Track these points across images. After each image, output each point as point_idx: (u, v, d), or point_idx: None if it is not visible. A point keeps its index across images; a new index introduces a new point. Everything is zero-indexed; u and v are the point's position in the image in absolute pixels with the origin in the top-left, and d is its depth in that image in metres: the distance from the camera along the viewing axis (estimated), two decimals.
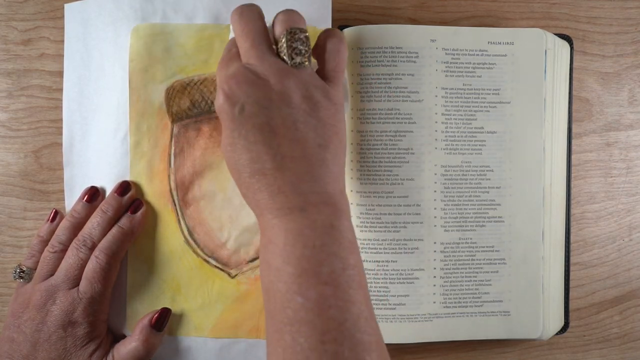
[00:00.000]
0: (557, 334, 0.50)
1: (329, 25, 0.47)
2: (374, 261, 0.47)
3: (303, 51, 0.38)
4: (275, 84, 0.36)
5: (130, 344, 0.44)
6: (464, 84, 0.48)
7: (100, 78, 0.47)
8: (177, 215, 0.47)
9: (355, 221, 0.47)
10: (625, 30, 0.53)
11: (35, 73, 0.49)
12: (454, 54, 0.48)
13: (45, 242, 0.46)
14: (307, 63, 0.38)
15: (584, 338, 0.53)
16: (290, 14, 0.39)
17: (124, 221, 0.45)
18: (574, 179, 0.52)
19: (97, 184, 0.47)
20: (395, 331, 0.47)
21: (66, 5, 0.48)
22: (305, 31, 0.38)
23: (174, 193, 0.47)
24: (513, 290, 0.48)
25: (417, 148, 0.47)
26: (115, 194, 0.45)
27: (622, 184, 0.53)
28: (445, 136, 0.48)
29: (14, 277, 0.45)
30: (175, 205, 0.47)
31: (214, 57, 0.47)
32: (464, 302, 0.48)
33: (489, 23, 0.52)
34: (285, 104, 0.36)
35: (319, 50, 0.40)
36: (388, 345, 0.50)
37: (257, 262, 0.47)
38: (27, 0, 0.49)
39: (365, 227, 0.47)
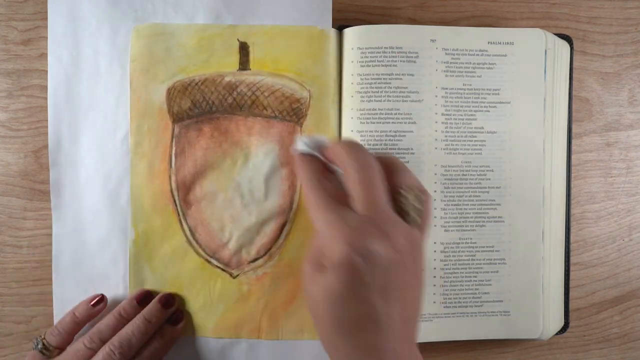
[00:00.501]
0: (557, 334, 0.51)
1: (330, 25, 0.47)
2: None
3: (420, 212, 0.37)
4: (394, 243, 0.34)
5: None
6: (464, 84, 0.48)
7: (94, 77, 0.47)
8: (179, 215, 0.47)
9: None
10: (625, 30, 0.53)
11: (35, 73, 0.49)
12: (454, 54, 0.48)
13: (78, 324, 0.45)
14: (419, 223, 0.37)
15: (584, 338, 0.53)
16: (410, 171, 0.38)
17: (167, 332, 0.45)
18: (574, 179, 0.52)
19: (90, 185, 0.47)
20: None
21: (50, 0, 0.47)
22: (422, 191, 0.38)
23: (175, 193, 0.47)
24: (513, 290, 0.49)
25: (417, 148, 0.47)
26: (160, 305, 0.45)
27: (622, 184, 0.53)
28: (445, 136, 0.48)
29: (34, 347, 0.44)
30: (176, 205, 0.47)
31: (214, 57, 0.47)
32: (464, 302, 0.48)
33: (489, 23, 0.52)
34: (401, 266, 0.35)
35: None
36: None
37: (258, 263, 0.47)
38: (27, 0, 0.49)
39: None
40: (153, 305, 0.45)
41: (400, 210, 0.36)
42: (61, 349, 0.45)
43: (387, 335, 0.34)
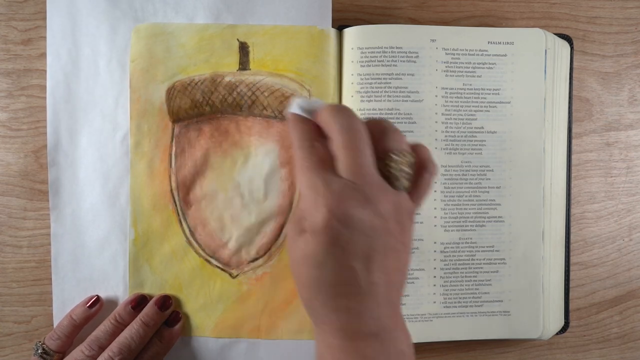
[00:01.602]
0: (557, 334, 0.51)
1: (329, 25, 0.47)
2: None
3: (410, 177, 0.35)
4: (377, 208, 0.33)
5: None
6: (464, 84, 0.48)
7: (94, 76, 0.47)
8: (179, 215, 0.47)
9: None
10: (625, 30, 0.53)
11: (35, 73, 0.49)
12: (454, 54, 0.48)
13: (77, 327, 0.45)
14: (409, 189, 0.36)
15: (584, 338, 0.53)
16: (401, 135, 0.36)
17: (165, 334, 0.45)
18: (574, 179, 0.52)
19: (89, 185, 0.47)
20: None
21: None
22: (414, 156, 0.36)
23: (175, 193, 0.47)
24: (513, 290, 0.48)
25: None
26: (156, 307, 0.45)
27: (622, 184, 0.53)
28: (445, 136, 0.48)
29: (34, 352, 0.44)
30: (176, 205, 0.47)
31: (214, 57, 0.47)
32: (464, 302, 0.48)
33: (489, 23, 0.52)
34: (385, 232, 0.33)
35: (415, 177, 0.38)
36: None
37: (258, 262, 0.47)
38: (27, 0, 0.49)
39: None
40: (150, 308, 0.45)
41: (390, 175, 0.35)
42: (61, 353, 0.45)
43: (367, 301, 0.33)
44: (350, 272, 0.33)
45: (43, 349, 0.44)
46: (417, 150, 0.37)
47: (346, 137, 0.34)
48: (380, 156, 0.35)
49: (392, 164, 0.35)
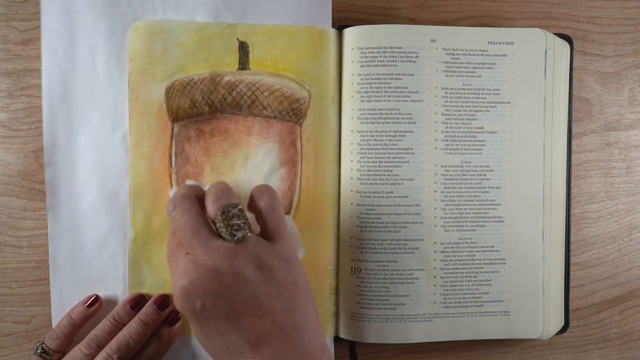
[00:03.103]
0: (557, 334, 0.50)
1: (329, 25, 0.47)
2: (374, 261, 0.47)
3: (241, 225, 0.37)
4: (227, 269, 0.35)
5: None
6: (464, 84, 0.48)
7: (91, 75, 0.47)
8: None
9: (355, 221, 0.47)
10: (625, 30, 0.53)
11: (35, 73, 0.49)
12: (454, 54, 0.48)
13: (76, 327, 0.45)
14: (249, 234, 0.37)
15: (584, 338, 0.53)
16: (218, 192, 0.38)
17: (164, 334, 0.45)
18: (574, 179, 0.52)
19: (87, 185, 0.47)
20: (395, 331, 0.47)
21: None
22: (237, 204, 0.37)
23: None
24: (513, 290, 0.48)
25: (417, 148, 0.47)
26: (155, 306, 0.45)
27: (622, 184, 0.53)
28: (445, 136, 0.48)
29: (34, 352, 0.44)
30: None
31: (214, 56, 0.47)
32: (464, 302, 0.48)
33: (489, 23, 0.52)
34: (243, 284, 0.35)
35: (255, 212, 0.40)
36: (388, 345, 0.50)
37: None
38: (27, 0, 0.49)
39: (365, 227, 0.47)
40: (149, 307, 0.45)
41: (226, 233, 0.36)
42: (61, 352, 0.44)
43: (266, 352, 0.35)
44: (230, 334, 0.35)
45: (42, 349, 0.44)
46: (254, 191, 0.40)
47: (175, 220, 0.38)
48: (212, 220, 0.37)
49: (219, 224, 0.37)
